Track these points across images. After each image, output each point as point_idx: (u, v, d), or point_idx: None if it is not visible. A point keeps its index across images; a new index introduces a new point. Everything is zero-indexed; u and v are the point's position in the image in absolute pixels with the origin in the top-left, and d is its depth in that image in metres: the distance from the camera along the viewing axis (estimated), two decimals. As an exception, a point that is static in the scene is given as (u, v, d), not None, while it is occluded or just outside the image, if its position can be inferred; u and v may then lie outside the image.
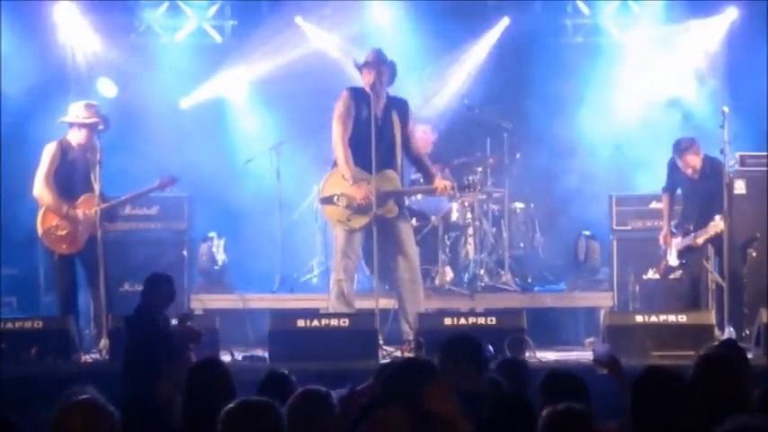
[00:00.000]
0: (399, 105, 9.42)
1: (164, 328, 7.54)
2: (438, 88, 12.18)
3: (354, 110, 9.29)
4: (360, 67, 9.32)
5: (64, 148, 9.51)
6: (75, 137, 9.54)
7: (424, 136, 10.92)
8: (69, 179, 9.50)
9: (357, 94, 9.32)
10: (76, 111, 9.59)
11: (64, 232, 9.47)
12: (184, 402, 5.03)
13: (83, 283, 9.69)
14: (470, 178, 9.70)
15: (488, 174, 11.30)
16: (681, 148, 9.86)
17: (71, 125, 9.54)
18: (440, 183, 9.40)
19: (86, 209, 9.45)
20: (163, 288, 7.65)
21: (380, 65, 9.25)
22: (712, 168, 9.67)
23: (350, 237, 9.33)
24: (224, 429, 4.09)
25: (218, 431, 4.08)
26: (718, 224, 9.51)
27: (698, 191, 9.83)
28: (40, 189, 9.49)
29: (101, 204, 9.44)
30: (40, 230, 9.53)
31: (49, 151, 9.51)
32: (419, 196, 10.68)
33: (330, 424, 4.38)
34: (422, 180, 10.05)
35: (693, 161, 9.79)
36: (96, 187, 9.36)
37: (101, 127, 9.44)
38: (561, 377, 5.20)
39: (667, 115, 11.82)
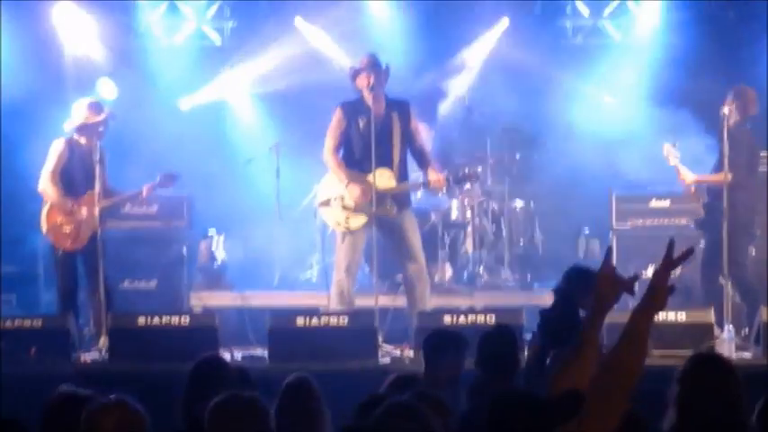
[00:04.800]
0: (400, 105, 9.50)
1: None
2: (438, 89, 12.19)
3: (346, 124, 9.43)
4: (356, 73, 9.37)
5: (71, 146, 9.51)
6: (82, 135, 9.54)
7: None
8: (75, 176, 9.49)
9: (349, 108, 9.46)
10: (82, 112, 9.56)
11: (68, 229, 9.47)
12: (185, 400, 5.04)
13: (83, 281, 9.68)
14: (466, 170, 9.73)
15: (488, 173, 11.31)
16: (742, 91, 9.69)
17: (78, 127, 9.52)
18: (433, 176, 9.44)
19: (90, 206, 9.46)
20: (589, 282, 7.23)
21: (376, 68, 9.33)
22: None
23: (350, 236, 9.38)
24: (211, 422, 4.14)
25: (206, 423, 4.11)
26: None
27: None
28: (45, 184, 9.48)
29: (102, 202, 9.46)
30: (44, 227, 9.52)
31: (56, 148, 9.50)
32: (419, 195, 10.68)
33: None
34: (421, 179, 10.07)
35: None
36: (97, 186, 9.38)
37: (101, 129, 9.45)
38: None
39: (667, 115, 11.83)
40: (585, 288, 7.02)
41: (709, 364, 4.44)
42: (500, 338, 5.97)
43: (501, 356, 5.84)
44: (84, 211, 9.45)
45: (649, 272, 10.64)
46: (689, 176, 9.77)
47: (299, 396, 5.09)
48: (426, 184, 9.61)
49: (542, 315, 7.21)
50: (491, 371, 5.79)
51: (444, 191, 10.43)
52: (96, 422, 3.98)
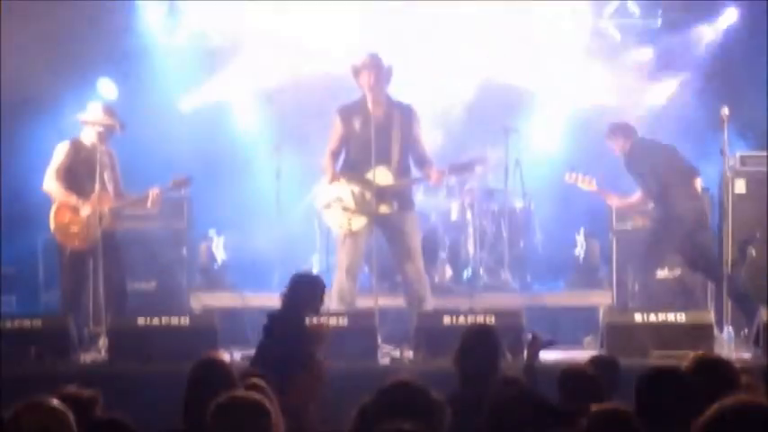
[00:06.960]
0: (403, 109, 9.53)
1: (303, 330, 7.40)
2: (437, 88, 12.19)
3: (344, 128, 9.49)
4: (357, 71, 9.39)
5: (77, 147, 9.54)
6: (89, 136, 9.57)
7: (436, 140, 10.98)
8: (80, 177, 9.50)
9: (345, 112, 9.51)
10: (95, 111, 9.60)
11: (76, 228, 9.47)
12: (185, 399, 5.04)
13: (86, 282, 9.66)
14: (465, 159, 9.78)
15: (488, 173, 11.30)
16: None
17: (86, 123, 9.54)
18: (432, 172, 9.45)
19: (96, 206, 9.46)
20: (315, 290, 7.62)
21: (376, 67, 9.35)
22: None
23: (352, 238, 9.40)
24: (213, 422, 4.16)
25: (208, 424, 4.12)
26: None
27: None
28: (49, 181, 9.51)
29: (111, 202, 9.48)
30: (52, 226, 9.52)
31: (62, 148, 9.57)
32: (420, 196, 10.67)
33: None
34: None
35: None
36: (110, 188, 9.46)
37: (117, 129, 9.50)
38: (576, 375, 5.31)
39: (667, 114, 11.84)
40: (310, 293, 7.52)
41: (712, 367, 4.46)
42: (482, 338, 5.99)
43: (482, 357, 5.86)
44: (89, 209, 9.45)
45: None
46: (613, 200, 10.27)
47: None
48: (425, 178, 9.63)
49: (269, 317, 7.56)
50: (471, 370, 5.80)
51: (450, 181, 10.43)
52: (18, 422, 3.97)
